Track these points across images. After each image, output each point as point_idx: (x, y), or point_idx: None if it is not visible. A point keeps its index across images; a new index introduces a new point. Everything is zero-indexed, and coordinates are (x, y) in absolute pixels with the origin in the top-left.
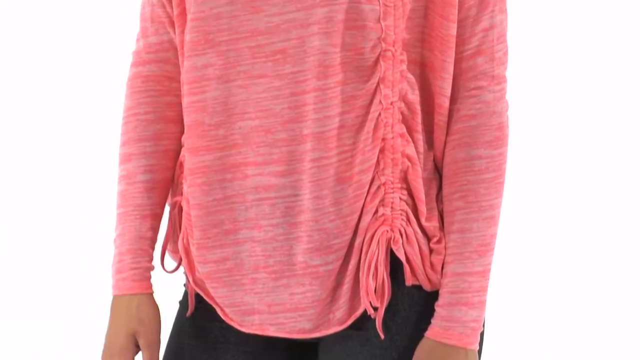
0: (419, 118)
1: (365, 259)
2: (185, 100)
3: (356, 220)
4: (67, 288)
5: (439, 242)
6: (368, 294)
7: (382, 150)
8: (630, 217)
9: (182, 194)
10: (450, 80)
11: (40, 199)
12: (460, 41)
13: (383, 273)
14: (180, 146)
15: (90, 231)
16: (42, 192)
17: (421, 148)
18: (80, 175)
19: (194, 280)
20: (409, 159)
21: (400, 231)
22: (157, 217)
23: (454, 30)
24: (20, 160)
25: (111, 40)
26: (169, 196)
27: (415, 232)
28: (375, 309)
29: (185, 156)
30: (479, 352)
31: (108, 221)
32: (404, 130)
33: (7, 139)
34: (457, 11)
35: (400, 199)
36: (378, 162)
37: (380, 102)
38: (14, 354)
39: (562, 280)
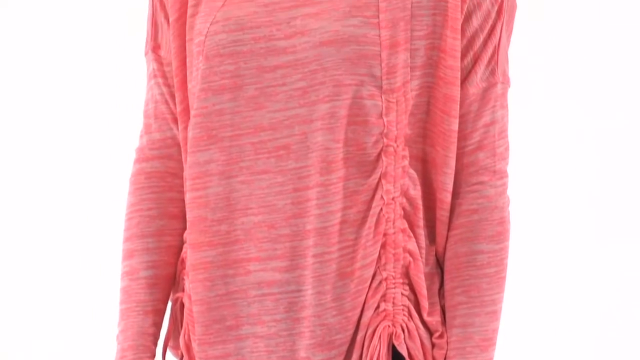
0: (420, 213)
1: (367, 354)
2: (187, 196)
3: (358, 315)
4: (67, 288)
5: (441, 336)
6: None
7: (383, 246)
8: (631, 217)
9: (183, 290)
10: (452, 175)
11: (40, 200)
12: (462, 136)
13: None
14: (182, 242)
15: (90, 232)
16: (42, 192)
17: (423, 243)
18: (80, 176)
19: None
20: (411, 254)
21: (402, 326)
22: (160, 313)
23: (455, 126)
24: (19, 161)
25: (111, 40)
26: (171, 292)
27: (417, 327)
28: None
29: (188, 252)
30: None
31: (108, 222)
32: (406, 225)
33: (7, 139)
34: (458, 106)
35: (402, 294)
36: (380, 257)
37: (382, 197)
38: (14, 354)
39: (565, 282)
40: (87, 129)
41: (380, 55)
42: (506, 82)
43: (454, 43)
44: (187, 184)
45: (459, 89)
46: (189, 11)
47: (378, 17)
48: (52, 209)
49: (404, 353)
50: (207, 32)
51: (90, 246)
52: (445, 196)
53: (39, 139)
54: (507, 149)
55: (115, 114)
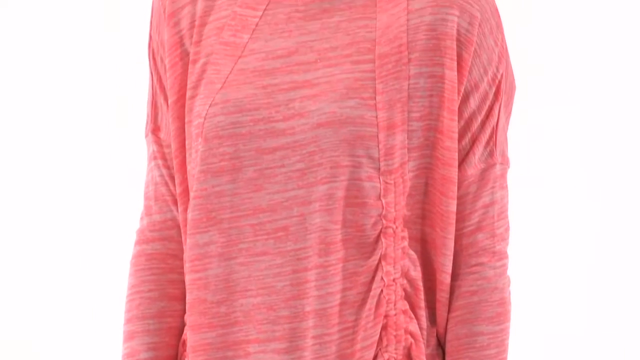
0: (421, 294)
1: None
2: (187, 278)
3: None
4: (66, 289)
5: None
6: None
7: (384, 327)
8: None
9: None
10: (452, 257)
11: (40, 201)
12: (461, 217)
13: None
14: (183, 324)
15: (89, 233)
16: (42, 193)
17: (424, 324)
18: (79, 176)
19: None
20: (412, 335)
21: None
22: None
23: (453, 207)
24: (19, 161)
25: (110, 40)
26: None
27: None
28: None
29: (188, 334)
30: None
31: (104, 222)
32: (407, 306)
33: (7, 140)
34: (456, 188)
35: None
36: (381, 338)
37: (382, 279)
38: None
39: (567, 283)
40: (87, 130)
41: (377, 136)
42: (505, 163)
43: (450, 124)
44: (187, 266)
45: (457, 170)
46: (188, 93)
47: (375, 98)
48: (51, 209)
49: None
50: (206, 114)
51: (90, 247)
52: (444, 277)
53: (39, 139)
54: (507, 229)
55: (115, 115)
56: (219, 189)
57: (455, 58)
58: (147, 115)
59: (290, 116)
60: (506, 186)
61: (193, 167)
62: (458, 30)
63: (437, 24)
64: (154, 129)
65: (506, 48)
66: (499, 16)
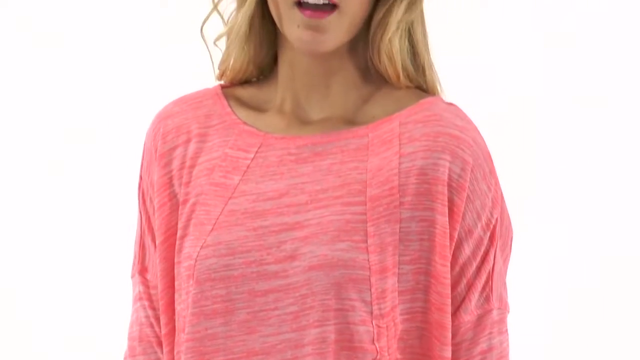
0: None
1: None
2: None
3: None
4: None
5: None
6: None
7: None
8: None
9: None
10: None
11: (41, 201)
12: None
13: None
14: None
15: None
16: (43, 194)
17: None
18: (80, 176)
19: None
20: None
21: None
22: None
23: (448, 353)
24: (18, 161)
25: (111, 41)
26: None
27: None
28: None
29: None
30: None
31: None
32: None
33: (6, 140)
34: (450, 334)
35: None
36: None
37: None
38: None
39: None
40: (87, 130)
41: (369, 279)
42: (503, 308)
43: (443, 270)
44: None
45: (450, 315)
46: (178, 233)
47: (367, 241)
48: (49, 210)
49: None
50: (197, 256)
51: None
52: None
53: (39, 139)
54: None
55: (116, 115)
56: (212, 331)
57: (447, 203)
58: (134, 256)
59: (282, 258)
60: (505, 331)
61: (183, 308)
62: (450, 176)
63: (428, 168)
64: (141, 270)
65: (501, 193)
66: (492, 161)
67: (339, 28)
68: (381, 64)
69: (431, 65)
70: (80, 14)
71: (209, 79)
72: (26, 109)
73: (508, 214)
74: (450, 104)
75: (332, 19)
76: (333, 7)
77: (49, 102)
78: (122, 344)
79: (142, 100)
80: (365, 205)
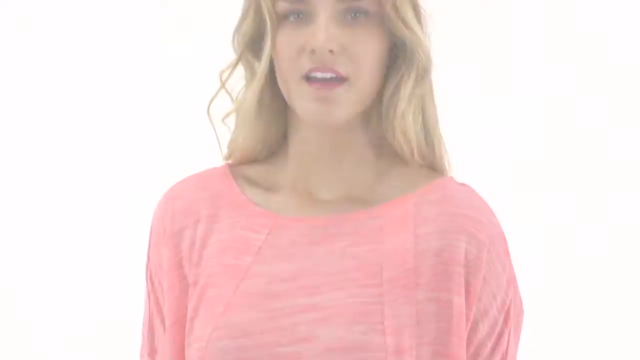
0: None
1: None
2: None
3: None
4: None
5: None
6: None
7: None
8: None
9: None
10: None
11: (41, 201)
12: None
13: None
14: None
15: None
16: (43, 194)
17: None
18: (80, 177)
19: None
20: None
21: None
22: None
23: None
24: (18, 160)
25: (111, 41)
26: None
27: None
28: None
29: None
30: None
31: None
32: None
33: (6, 140)
34: None
35: None
36: None
37: None
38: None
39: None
40: (87, 130)
41: None
42: None
43: (459, 351)
44: None
45: None
46: (189, 314)
47: (383, 323)
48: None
49: None
50: (208, 337)
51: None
52: None
53: (39, 139)
54: None
55: (116, 115)
56: None
57: (464, 284)
58: (143, 337)
59: (296, 341)
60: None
61: None
62: (466, 257)
63: (444, 249)
64: (150, 351)
65: (514, 273)
66: (506, 241)
67: (348, 100)
68: (395, 140)
69: (440, 140)
70: (80, 14)
71: (209, 79)
72: (26, 109)
73: (520, 295)
74: (463, 184)
75: (341, 91)
76: (342, 79)
77: (49, 102)
78: (122, 344)
79: (142, 100)
80: (382, 287)
